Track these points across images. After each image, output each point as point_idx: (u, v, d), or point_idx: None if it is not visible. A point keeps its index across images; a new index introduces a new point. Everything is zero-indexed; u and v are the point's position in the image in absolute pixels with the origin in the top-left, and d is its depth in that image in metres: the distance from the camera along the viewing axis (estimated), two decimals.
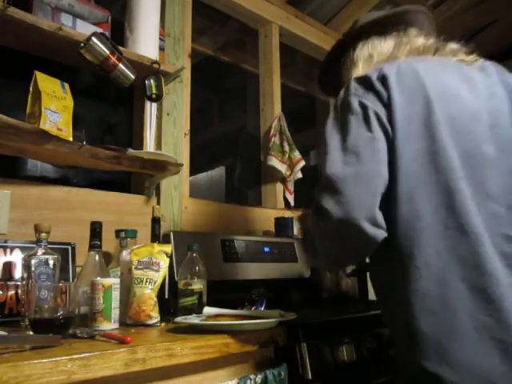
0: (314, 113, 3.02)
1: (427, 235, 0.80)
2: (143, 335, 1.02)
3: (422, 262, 0.80)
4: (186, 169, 1.87)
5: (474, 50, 1.07)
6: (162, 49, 1.73)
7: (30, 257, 1.11)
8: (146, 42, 1.61)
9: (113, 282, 1.11)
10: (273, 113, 2.35)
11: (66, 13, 1.42)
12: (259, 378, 1.03)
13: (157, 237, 1.41)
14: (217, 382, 0.98)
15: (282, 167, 2.21)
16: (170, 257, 1.27)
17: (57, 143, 1.26)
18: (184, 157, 1.86)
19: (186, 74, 1.94)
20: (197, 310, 1.26)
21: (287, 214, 2.21)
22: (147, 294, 1.18)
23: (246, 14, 2.38)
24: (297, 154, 2.28)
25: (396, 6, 2.71)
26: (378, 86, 0.89)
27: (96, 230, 1.23)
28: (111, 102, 1.89)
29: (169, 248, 1.27)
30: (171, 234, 1.57)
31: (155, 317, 1.17)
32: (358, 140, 0.84)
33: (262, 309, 1.34)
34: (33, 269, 1.10)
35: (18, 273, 1.23)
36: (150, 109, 1.75)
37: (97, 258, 1.21)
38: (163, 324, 1.19)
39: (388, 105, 0.87)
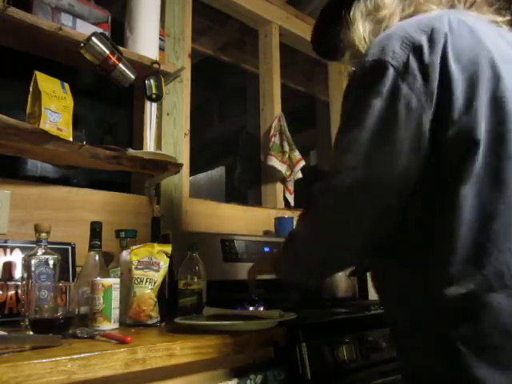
0: (314, 113, 3.02)
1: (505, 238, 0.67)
2: (143, 335, 1.02)
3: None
4: (186, 169, 1.87)
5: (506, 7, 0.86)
6: (162, 49, 1.73)
7: (30, 257, 1.11)
8: (145, 41, 1.61)
9: (113, 281, 1.11)
10: (273, 113, 2.35)
11: (66, 13, 1.42)
12: (259, 378, 1.03)
13: (157, 237, 1.41)
14: (217, 382, 0.98)
15: (282, 167, 2.21)
16: (170, 257, 1.27)
17: (57, 143, 1.26)
18: (184, 157, 1.86)
19: (186, 74, 1.94)
20: (197, 310, 1.26)
21: (287, 214, 2.21)
22: (147, 293, 1.18)
23: (246, 14, 2.38)
24: (297, 154, 2.28)
25: None
26: (427, 51, 0.72)
27: (96, 229, 1.23)
28: (111, 102, 1.89)
29: (169, 248, 1.27)
30: (171, 233, 1.57)
31: (155, 317, 1.17)
32: (377, 142, 0.74)
33: (262, 309, 1.34)
34: (33, 269, 1.10)
35: (18, 273, 1.23)
36: (150, 109, 1.75)
37: (97, 258, 1.21)
38: (163, 324, 1.19)
39: (441, 81, 0.71)
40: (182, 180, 1.82)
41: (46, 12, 1.37)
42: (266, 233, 2.08)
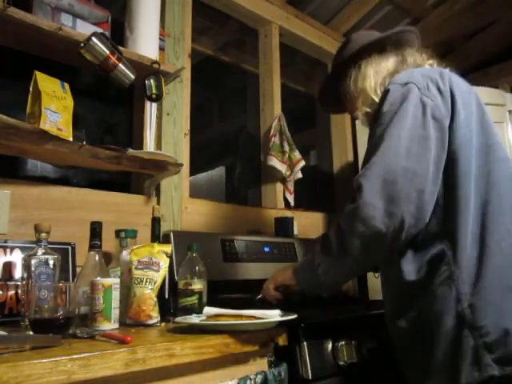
0: (314, 113, 3.01)
1: (496, 216, 0.94)
2: (143, 335, 1.02)
3: (494, 241, 0.93)
4: (186, 169, 1.87)
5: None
6: (162, 49, 1.73)
7: (30, 257, 1.11)
8: (146, 41, 1.61)
9: (113, 281, 1.11)
10: (273, 113, 2.35)
11: (66, 13, 1.42)
12: (259, 377, 1.03)
13: (157, 237, 1.41)
14: (217, 382, 0.98)
15: (282, 167, 2.21)
16: (170, 257, 1.27)
17: (57, 143, 1.26)
18: (184, 157, 1.86)
19: (186, 74, 1.94)
20: (197, 309, 1.26)
21: (287, 213, 2.21)
22: (147, 293, 1.18)
23: (246, 14, 2.38)
24: (297, 154, 2.28)
25: (396, 6, 2.72)
26: (441, 82, 1.01)
27: (96, 229, 1.23)
28: (111, 102, 1.89)
29: (169, 248, 1.27)
30: (171, 233, 1.57)
31: (155, 317, 1.17)
32: (413, 137, 0.94)
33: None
34: (33, 269, 1.10)
35: (18, 273, 1.23)
36: (150, 109, 1.75)
37: (97, 258, 1.21)
38: (163, 324, 1.19)
39: (452, 103, 1.00)
40: (182, 180, 1.82)
41: (46, 12, 1.37)
42: (266, 233, 2.08)
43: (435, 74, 1.04)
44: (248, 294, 1.30)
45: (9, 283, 1.21)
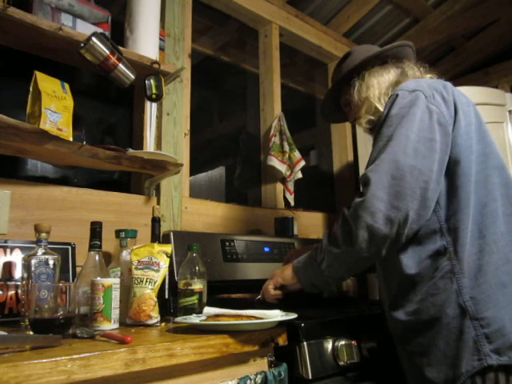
0: (314, 113, 3.02)
1: (493, 219, 1.00)
2: (143, 335, 1.02)
3: (492, 240, 0.98)
4: (186, 169, 1.87)
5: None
6: (162, 49, 1.73)
7: (30, 257, 1.11)
8: (146, 41, 1.61)
9: (113, 281, 1.11)
10: (273, 113, 2.35)
11: (66, 13, 1.42)
12: (259, 377, 1.03)
13: (157, 237, 1.41)
14: (217, 382, 0.98)
15: (282, 167, 2.21)
16: (170, 257, 1.27)
17: (57, 143, 1.26)
18: (184, 157, 1.86)
19: (186, 74, 1.94)
20: (197, 310, 1.26)
21: (287, 213, 2.21)
22: (147, 293, 1.18)
23: (246, 14, 2.38)
24: (297, 154, 2.28)
25: (396, 6, 2.72)
26: (445, 93, 1.08)
27: (96, 229, 1.23)
28: (111, 102, 1.89)
29: (169, 248, 1.27)
30: (171, 233, 1.57)
31: (155, 317, 1.18)
32: (420, 139, 1.00)
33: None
34: (33, 269, 1.10)
35: (18, 273, 1.23)
36: (150, 109, 1.75)
37: (97, 258, 1.21)
38: (163, 324, 1.19)
39: (455, 111, 1.07)
40: (182, 180, 1.82)
41: (46, 12, 1.37)
42: (266, 233, 2.08)
43: (439, 84, 1.11)
44: (249, 294, 1.30)
45: (9, 283, 1.21)
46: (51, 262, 1.13)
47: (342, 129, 2.81)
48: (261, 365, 1.08)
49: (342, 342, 1.18)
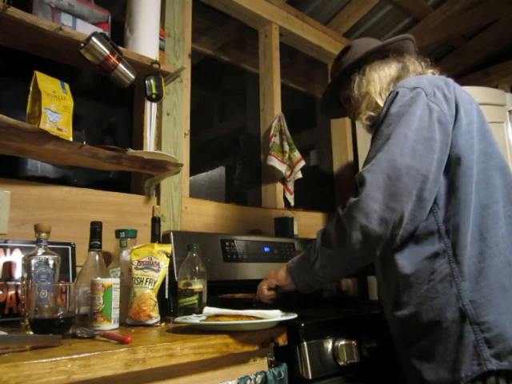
0: (314, 113, 3.02)
1: (494, 221, 0.99)
2: (143, 335, 1.02)
3: (494, 243, 0.96)
4: (186, 169, 1.87)
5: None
6: (162, 49, 1.73)
7: (30, 257, 1.11)
8: (146, 41, 1.61)
9: (113, 281, 1.11)
10: (273, 113, 2.35)
11: (66, 13, 1.42)
12: (259, 377, 1.03)
13: (157, 237, 1.41)
14: (217, 382, 0.98)
15: (282, 167, 2.21)
16: (170, 257, 1.27)
17: (57, 143, 1.26)
18: (184, 157, 1.86)
19: (186, 74, 1.94)
20: (197, 309, 1.26)
21: (287, 213, 2.21)
22: (147, 293, 1.18)
23: (246, 13, 2.38)
24: (297, 154, 2.28)
25: (396, 6, 2.72)
26: (446, 90, 1.06)
27: (96, 229, 1.23)
28: (111, 102, 1.88)
29: (169, 248, 1.27)
30: (171, 233, 1.57)
31: (155, 317, 1.18)
32: (418, 138, 0.98)
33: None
34: (33, 269, 1.10)
35: (18, 273, 1.23)
36: (150, 109, 1.75)
37: (97, 258, 1.21)
38: (163, 324, 1.19)
39: (456, 110, 1.04)
40: (182, 180, 1.82)
41: (46, 12, 1.37)
42: (266, 233, 2.08)
43: (441, 82, 1.09)
44: (252, 294, 1.30)
45: (9, 283, 1.21)
46: (51, 262, 1.13)
47: (342, 129, 2.81)
48: (261, 365, 1.08)
49: (342, 342, 1.18)
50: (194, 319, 1.13)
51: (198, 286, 1.30)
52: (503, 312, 0.93)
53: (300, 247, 1.95)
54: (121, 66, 1.44)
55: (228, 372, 1.02)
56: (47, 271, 1.12)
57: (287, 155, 2.24)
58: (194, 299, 1.28)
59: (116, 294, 1.11)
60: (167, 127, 1.80)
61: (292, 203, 2.29)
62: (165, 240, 1.53)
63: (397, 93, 1.06)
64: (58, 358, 0.74)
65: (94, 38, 1.38)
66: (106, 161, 1.41)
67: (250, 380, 1.01)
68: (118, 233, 1.33)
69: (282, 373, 1.07)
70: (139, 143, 1.76)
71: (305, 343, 1.12)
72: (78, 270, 1.28)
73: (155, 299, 1.19)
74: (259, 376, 1.03)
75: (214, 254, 1.66)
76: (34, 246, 1.15)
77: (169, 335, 1.03)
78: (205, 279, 1.32)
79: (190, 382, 0.96)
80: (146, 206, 1.67)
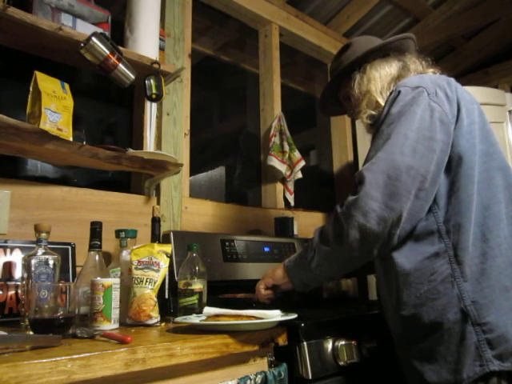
0: (314, 113, 3.02)
1: (496, 222, 0.98)
2: (143, 335, 1.02)
3: (496, 243, 0.96)
4: (186, 169, 1.87)
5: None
6: (162, 49, 1.73)
7: (30, 257, 1.11)
8: (146, 41, 1.61)
9: (113, 281, 1.11)
10: (273, 113, 2.35)
11: (66, 13, 1.42)
12: (259, 377, 1.03)
13: (157, 237, 1.41)
14: (217, 382, 0.98)
15: (281, 167, 2.21)
16: (170, 257, 1.27)
17: (57, 143, 1.26)
18: (184, 157, 1.86)
19: (186, 74, 1.94)
20: (197, 310, 1.26)
21: (287, 213, 2.21)
22: (147, 293, 1.18)
23: (246, 13, 2.38)
24: (297, 154, 2.28)
25: (396, 6, 2.72)
26: (448, 90, 1.06)
27: (96, 229, 1.23)
28: (111, 102, 1.88)
29: (169, 248, 1.27)
30: (171, 233, 1.57)
31: (155, 317, 1.17)
32: (419, 138, 0.98)
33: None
34: (33, 269, 1.10)
35: (18, 273, 1.23)
36: (150, 109, 1.75)
37: (97, 258, 1.21)
38: (163, 324, 1.19)
39: (457, 110, 1.04)
40: (182, 180, 1.82)
41: (46, 12, 1.37)
42: (266, 233, 2.08)
43: (443, 81, 1.09)
44: (253, 294, 1.30)
45: (9, 283, 1.21)
46: (51, 262, 1.13)
47: (342, 129, 2.81)
48: (261, 365, 1.08)
49: (342, 342, 1.18)
50: (194, 319, 1.13)
51: (197, 286, 1.30)
52: (505, 313, 0.93)
53: (300, 247, 1.95)
54: (121, 66, 1.44)
55: (228, 372, 1.02)
56: (47, 271, 1.12)
57: (287, 155, 2.24)
58: (193, 299, 1.28)
59: (116, 294, 1.11)
60: (167, 127, 1.80)
61: (292, 203, 2.29)
62: (165, 240, 1.53)
63: (399, 92, 1.06)
64: (58, 358, 0.74)
65: (93, 38, 1.38)
66: (106, 161, 1.41)
67: (250, 380, 1.01)
68: (117, 233, 1.33)
69: (282, 373, 1.07)
70: (139, 143, 1.76)
71: (305, 343, 1.12)
72: (78, 269, 1.28)
73: (155, 299, 1.19)
74: (259, 376, 1.03)
75: (214, 254, 1.66)
76: (33, 246, 1.15)
77: (169, 335, 1.03)
78: (205, 279, 1.32)
79: (189, 382, 0.96)
80: (146, 206, 1.67)
